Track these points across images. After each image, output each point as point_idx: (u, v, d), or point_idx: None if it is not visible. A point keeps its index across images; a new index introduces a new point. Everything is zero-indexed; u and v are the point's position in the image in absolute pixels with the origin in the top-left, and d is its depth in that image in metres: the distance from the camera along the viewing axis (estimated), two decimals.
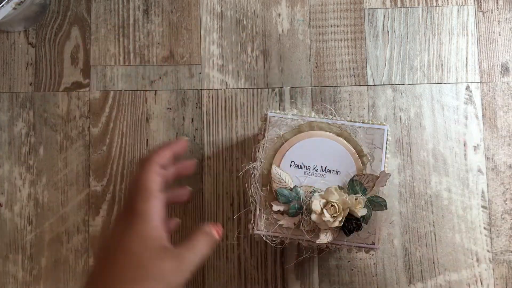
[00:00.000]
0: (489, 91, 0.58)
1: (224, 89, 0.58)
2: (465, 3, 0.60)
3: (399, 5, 0.60)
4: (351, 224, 0.42)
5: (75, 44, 0.59)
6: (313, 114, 0.47)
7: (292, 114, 0.46)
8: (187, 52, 0.59)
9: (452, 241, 0.56)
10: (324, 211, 0.42)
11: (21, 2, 0.52)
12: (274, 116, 0.45)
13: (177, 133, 0.57)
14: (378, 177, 0.43)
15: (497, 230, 0.56)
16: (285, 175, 0.44)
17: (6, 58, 0.59)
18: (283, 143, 0.45)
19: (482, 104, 0.58)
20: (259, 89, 0.58)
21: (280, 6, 0.59)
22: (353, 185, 0.44)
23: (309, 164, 0.44)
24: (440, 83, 0.58)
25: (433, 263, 0.55)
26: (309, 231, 0.43)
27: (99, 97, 0.58)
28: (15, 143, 0.57)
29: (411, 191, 0.57)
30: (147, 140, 0.57)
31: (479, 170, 0.57)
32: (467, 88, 0.58)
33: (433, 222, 0.56)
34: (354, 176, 0.44)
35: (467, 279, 0.55)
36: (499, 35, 0.59)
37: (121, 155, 0.57)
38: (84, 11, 0.59)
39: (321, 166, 0.44)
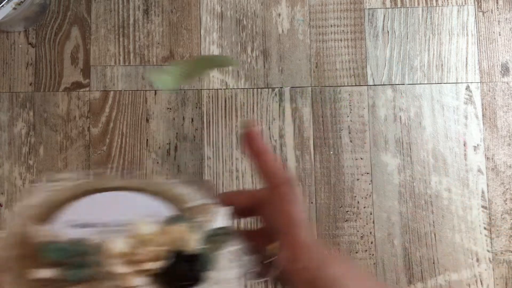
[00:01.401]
0: (489, 91, 0.58)
1: (224, 89, 0.58)
2: (465, 3, 0.60)
3: (399, 5, 0.60)
4: (182, 268, 0.25)
5: (75, 44, 0.59)
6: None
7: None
8: (187, 52, 0.59)
9: (452, 241, 0.56)
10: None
11: (21, 2, 0.52)
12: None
13: (177, 133, 0.57)
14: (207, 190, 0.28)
15: (497, 230, 0.56)
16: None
17: (6, 58, 0.59)
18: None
19: (482, 104, 0.58)
20: (259, 89, 0.58)
21: (280, 6, 0.59)
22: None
23: (102, 221, 0.28)
24: (440, 83, 0.58)
25: (433, 263, 0.55)
26: None
27: (99, 97, 0.58)
28: (15, 143, 0.57)
29: (411, 191, 0.57)
30: (147, 140, 0.57)
31: (479, 170, 0.57)
32: (467, 88, 0.58)
33: (433, 222, 0.56)
34: (174, 215, 0.27)
35: (467, 279, 0.55)
36: (499, 35, 0.59)
37: (121, 155, 0.57)
38: (84, 11, 0.59)
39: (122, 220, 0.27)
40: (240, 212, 0.29)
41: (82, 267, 0.25)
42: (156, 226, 0.26)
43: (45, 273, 0.24)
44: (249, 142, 0.28)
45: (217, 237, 0.27)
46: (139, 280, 0.24)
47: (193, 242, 0.26)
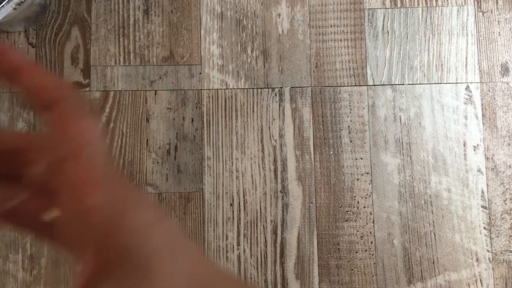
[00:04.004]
0: (489, 91, 0.58)
1: (224, 89, 0.58)
2: (465, 3, 0.60)
3: (399, 5, 0.60)
4: None
5: (75, 44, 0.59)
6: None
7: None
8: (187, 52, 0.59)
9: (452, 241, 0.56)
10: None
11: (21, 2, 0.52)
12: None
13: (177, 133, 0.57)
14: None
15: (497, 230, 0.56)
16: None
17: None
18: None
19: (482, 104, 0.58)
20: (259, 89, 0.58)
21: (280, 6, 0.59)
22: None
23: None
24: (440, 83, 0.58)
25: (433, 263, 0.55)
26: None
27: (99, 97, 0.58)
28: None
29: (411, 191, 0.57)
30: (147, 140, 0.57)
31: (479, 170, 0.57)
32: (467, 88, 0.58)
33: (433, 222, 0.56)
34: None
35: (467, 279, 0.55)
36: (499, 35, 0.59)
37: (121, 155, 0.57)
38: (84, 11, 0.59)
39: None
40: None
41: None
42: None
43: None
44: (2, 55, 0.18)
45: None
46: None
47: None
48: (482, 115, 0.58)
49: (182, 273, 0.17)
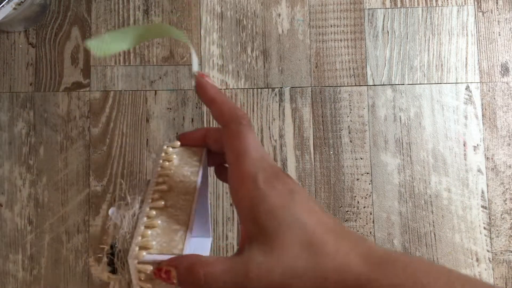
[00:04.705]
0: (489, 91, 0.58)
1: (224, 89, 0.58)
2: (465, 3, 0.60)
3: (399, 5, 0.60)
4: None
5: (75, 44, 0.59)
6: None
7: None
8: (187, 52, 0.59)
9: (452, 241, 0.56)
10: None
11: (21, 2, 0.52)
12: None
13: (177, 133, 0.57)
14: None
15: (497, 230, 0.56)
16: None
17: (6, 58, 0.59)
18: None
19: (482, 104, 0.58)
20: (259, 89, 0.58)
21: (280, 6, 0.59)
22: None
23: None
24: (440, 83, 0.58)
25: None
26: None
27: (99, 97, 0.58)
28: (15, 143, 0.57)
29: (411, 191, 0.57)
30: (147, 140, 0.57)
31: (479, 170, 0.57)
32: (467, 88, 0.58)
33: (433, 222, 0.56)
34: None
35: None
36: (499, 35, 0.59)
37: (121, 155, 0.57)
38: (84, 11, 0.59)
39: None
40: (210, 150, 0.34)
41: None
42: None
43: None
44: (202, 90, 0.31)
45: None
46: None
47: None
48: (482, 115, 0.58)
49: (295, 242, 0.24)
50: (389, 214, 0.56)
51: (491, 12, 0.59)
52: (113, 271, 0.31)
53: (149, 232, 0.28)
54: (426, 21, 0.59)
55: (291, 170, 0.57)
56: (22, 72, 0.58)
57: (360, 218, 0.56)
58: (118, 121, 0.58)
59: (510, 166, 0.57)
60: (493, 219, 0.56)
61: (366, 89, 0.58)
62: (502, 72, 0.59)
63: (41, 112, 0.58)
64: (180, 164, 0.33)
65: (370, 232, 0.56)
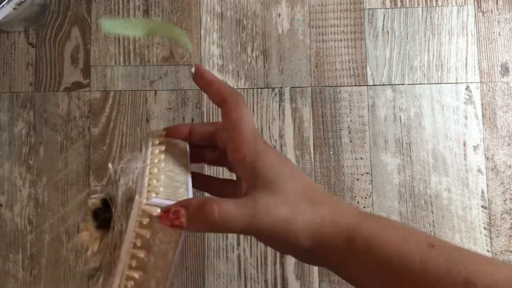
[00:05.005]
0: (489, 91, 0.58)
1: None
2: (465, 3, 0.60)
3: (399, 5, 0.60)
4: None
5: (75, 44, 0.59)
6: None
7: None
8: (187, 52, 0.59)
9: (452, 241, 0.56)
10: None
11: (21, 2, 0.52)
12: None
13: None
14: None
15: (497, 230, 0.56)
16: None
17: (6, 58, 0.59)
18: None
19: (482, 104, 0.58)
20: (259, 89, 0.58)
21: (280, 6, 0.59)
22: None
23: None
24: (440, 83, 0.58)
25: None
26: None
27: (99, 97, 0.58)
28: (15, 143, 0.57)
29: (411, 191, 0.57)
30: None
31: (479, 170, 0.57)
32: (467, 88, 0.58)
33: (433, 222, 0.56)
34: None
35: None
36: (499, 35, 0.59)
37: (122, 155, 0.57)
38: (84, 11, 0.59)
39: None
40: (199, 144, 0.37)
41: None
42: None
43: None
44: (199, 77, 0.33)
45: None
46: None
47: None
48: (482, 115, 0.58)
49: (295, 190, 0.29)
50: (389, 214, 0.56)
51: (491, 12, 0.59)
52: (99, 226, 0.31)
53: (154, 181, 0.30)
54: (426, 21, 0.59)
55: None
56: (22, 72, 0.58)
57: None
58: (118, 121, 0.58)
59: (510, 166, 0.57)
60: (493, 219, 0.56)
61: (366, 89, 0.58)
62: (502, 72, 0.59)
63: (41, 112, 0.58)
64: (169, 158, 0.34)
65: None
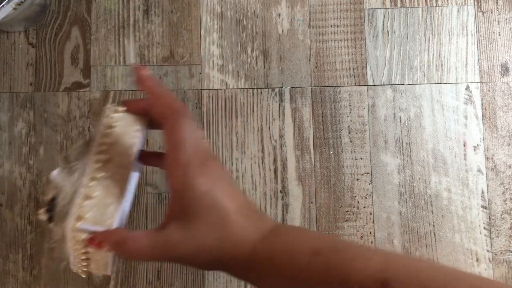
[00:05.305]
0: (489, 91, 0.58)
1: (224, 89, 0.58)
2: (465, 3, 0.60)
3: (399, 5, 0.60)
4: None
5: (75, 44, 0.59)
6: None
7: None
8: (187, 52, 0.59)
9: (452, 241, 0.56)
10: None
11: (21, 2, 0.52)
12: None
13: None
14: None
15: (497, 230, 0.56)
16: None
17: (6, 58, 0.59)
18: None
19: (482, 104, 0.58)
20: (259, 89, 0.58)
21: (280, 6, 0.59)
22: None
23: None
24: (440, 83, 0.58)
25: None
26: None
27: (99, 97, 0.58)
28: (15, 143, 0.57)
29: (411, 191, 0.57)
30: (147, 140, 0.57)
31: (479, 170, 0.57)
32: (467, 88, 0.58)
33: (433, 222, 0.56)
34: None
35: None
36: (499, 35, 0.59)
37: None
38: (84, 11, 0.59)
39: None
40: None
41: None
42: None
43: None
44: (139, 84, 0.33)
45: None
46: None
47: None
48: (482, 115, 0.58)
49: (211, 224, 0.30)
50: (389, 214, 0.56)
51: (491, 12, 0.59)
52: (50, 219, 0.35)
53: (85, 202, 0.32)
54: (426, 21, 0.59)
55: (291, 170, 0.57)
56: (22, 72, 0.58)
57: (360, 218, 0.56)
58: None
59: (510, 166, 0.57)
60: (493, 219, 0.56)
61: (366, 89, 0.58)
62: (502, 72, 0.59)
63: (41, 112, 0.58)
64: (122, 131, 0.35)
65: (370, 232, 0.56)
